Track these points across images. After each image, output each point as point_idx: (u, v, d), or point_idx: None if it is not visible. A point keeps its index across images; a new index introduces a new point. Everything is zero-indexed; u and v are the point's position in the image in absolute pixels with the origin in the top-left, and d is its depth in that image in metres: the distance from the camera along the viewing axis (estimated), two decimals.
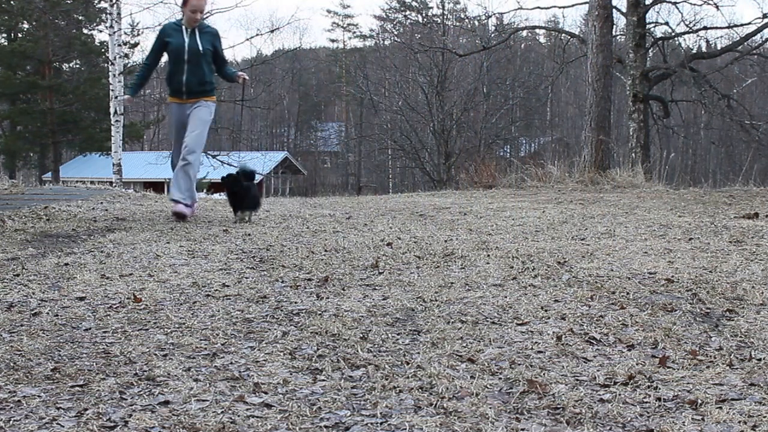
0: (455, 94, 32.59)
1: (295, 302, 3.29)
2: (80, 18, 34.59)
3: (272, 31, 39.61)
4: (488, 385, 2.28)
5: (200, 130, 6.42)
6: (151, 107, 44.80)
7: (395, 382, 2.29)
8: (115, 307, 3.18)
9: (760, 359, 2.51)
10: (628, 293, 3.43)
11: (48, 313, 3.06)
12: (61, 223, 5.86)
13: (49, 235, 5.24)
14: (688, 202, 7.99)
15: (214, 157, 24.50)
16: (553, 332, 2.82)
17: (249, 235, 5.35)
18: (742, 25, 19.81)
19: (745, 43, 18.63)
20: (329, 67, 58.72)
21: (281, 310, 3.14)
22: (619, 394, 2.20)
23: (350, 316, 3.03)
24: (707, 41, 28.72)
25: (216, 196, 15.84)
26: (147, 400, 2.13)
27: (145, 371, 2.36)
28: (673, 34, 19.17)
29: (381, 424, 2.00)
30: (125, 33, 27.04)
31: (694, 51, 22.75)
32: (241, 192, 6.12)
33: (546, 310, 3.15)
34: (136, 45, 35.98)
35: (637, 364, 2.47)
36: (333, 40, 60.72)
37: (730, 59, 18.97)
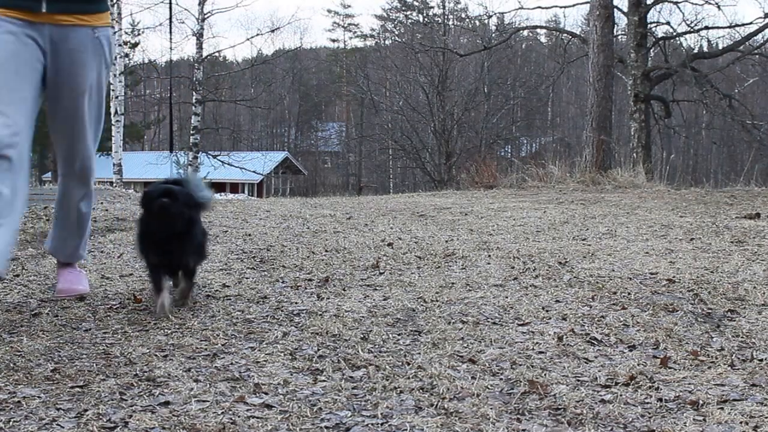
0: (456, 93, 32.61)
1: (296, 303, 3.28)
2: None
3: (273, 31, 39.49)
4: (489, 386, 2.28)
5: (94, 117, 3.26)
6: (152, 107, 44.84)
7: (396, 383, 2.29)
8: (115, 307, 3.17)
9: (761, 360, 2.50)
10: (629, 293, 3.42)
11: (48, 314, 3.05)
12: None
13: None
14: (689, 202, 7.98)
15: (214, 157, 24.52)
16: (555, 333, 2.82)
17: (249, 235, 5.34)
18: (743, 24, 19.83)
19: (747, 43, 18.64)
20: (330, 67, 58.74)
21: (282, 311, 3.13)
22: (621, 395, 2.20)
23: (351, 317, 3.03)
24: (708, 41, 28.71)
25: (217, 196, 15.87)
26: (147, 400, 2.12)
27: (146, 372, 2.36)
28: (674, 33, 19.17)
29: (382, 424, 2.00)
30: (125, 33, 27.10)
31: (695, 51, 22.76)
32: (172, 234, 2.98)
33: (547, 311, 3.15)
34: (136, 45, 36.03)
35: (638, 365, 2.46)
36: (334, 40, 60.80)
37: (732, 59, 18.97)
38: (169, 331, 2.81)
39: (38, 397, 2.14)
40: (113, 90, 19.20)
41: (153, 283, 3.07)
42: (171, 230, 2.95)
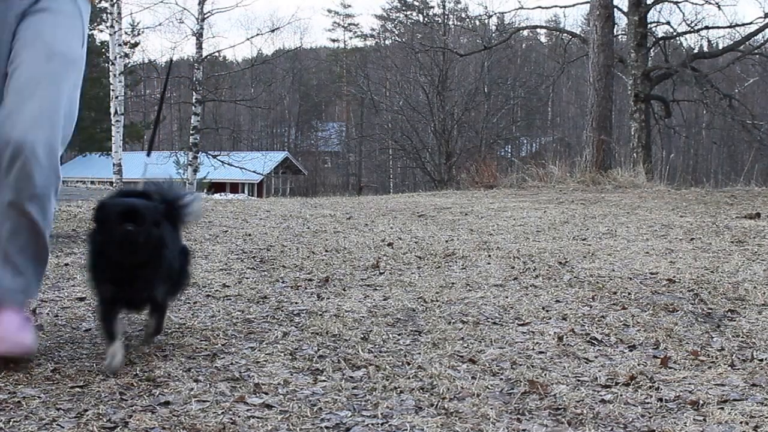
0: (456, 93, 32.59)
1: (296, 303, 3.28)
2: None
3: (273, 31, 39.48)
4: (489, 386, 2.28)
5: (53, 86, 2.29)
6: (152, 107, 44.87)
7: (396, 383, 2.29)
8: None
9: (761, 360, 2.50)
10: (629, 293, 3.42)
11: (48, 314, 3.05)
12: (61, 223, 5.86)
13: (49, 235, 5.23)
14: (689, 202, 7.97)
15: (214, 157, 24.52)
16: (555, 333, 2.82)
17: (249, 235, 5.34)
18: (743, 24, 19.81)
19: (747, 43, 18.63)
20: (330, 67, 58.73)
21: (282, 311, 3.13)
22: (621, 395, 2.20)
23: (351, 317, 3.03)
24: (709, 41, 28.66)
25: (217, 196, 15.87)
26: (147, 400, 2.12)
27: (146, 372, 2.35)
28: (674, 33, 19.15)
29: (382, 424, 1.99)
30: (125, 33, 27.12)
31: (695, 51, 22.73)
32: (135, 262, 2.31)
33: (547, 311, 3.15)
34: (136, 45, 36.07)
35: (638, 365, 2.46)
36: (334, 40, 60.79)
37: (732, 59, 18.97)
38: (169, 331, 2.81)
39: (38, 397, 2.14)
40: (112, 90, 19.19)
41: (104, 327, 2.36)
42: (135, 260, 2.29)
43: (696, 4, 25.30)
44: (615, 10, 14.25)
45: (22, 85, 2.23)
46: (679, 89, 20.12)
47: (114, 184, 17.34)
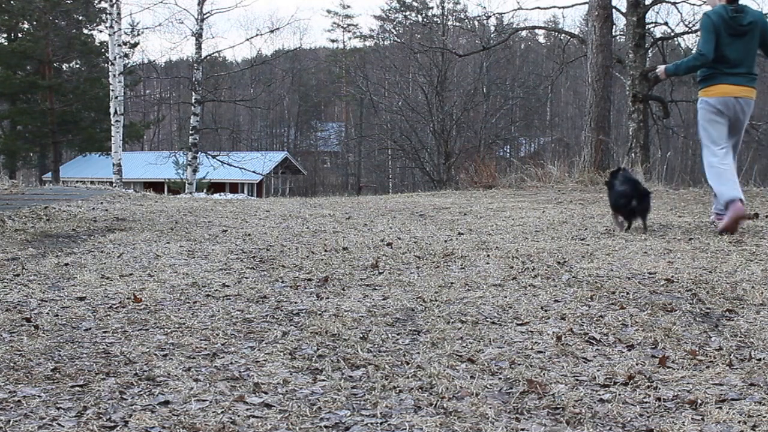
0: (455, 94, 32.60)
1: (295, 302, 3.29)
2: (80, 18, 34.69)
3: (272, 32, 39.36)
4: (488, 385, 2.28)
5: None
6: (151, 107, 44.88)
7: (395, 382, 2.29)
8: (115, 307, 3.18)
9: (759, 359, 2.51)
10: (627, 293, 3.43)
11: (48, 314, 3.06)
12: (61, 223, 5.86)
13: (49, 235, 5.24)
14: (687, 202, 7.99)
15: (214, 157, 24.54)
16: (553, 332, 2.82)
17: (249, 235, 5.35)
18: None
19: None
20: (329, 68, 58.75)
21: (281, 310, 3.14)
22: (619, 394, 2.21)
23: (350, 316, 3.04)
24: None
25: (216, 196, 15.87)
26: (147, 400, 2.13)
27: (145, 371, 2.36)
28: (672, 34, 19.17)
29: (381, 424, 2.00)
30: (125, 33, 27.12)
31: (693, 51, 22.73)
32: None
33: (546, 310, 3.16)
34: (136, 45, 36.10)
35: (636, 364, 2.47)
36: (333, 41, 60.80)
37: None
38: (169, 331, 2.82)
39: (38, 396, 2.15)
40: (112, 90, 19.19)
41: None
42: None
43: (694, 4, 25.24)
44: (613, 10, 14.25)
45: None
46: (678, 89, 20.14)
47: (114, 184, 17.32)
